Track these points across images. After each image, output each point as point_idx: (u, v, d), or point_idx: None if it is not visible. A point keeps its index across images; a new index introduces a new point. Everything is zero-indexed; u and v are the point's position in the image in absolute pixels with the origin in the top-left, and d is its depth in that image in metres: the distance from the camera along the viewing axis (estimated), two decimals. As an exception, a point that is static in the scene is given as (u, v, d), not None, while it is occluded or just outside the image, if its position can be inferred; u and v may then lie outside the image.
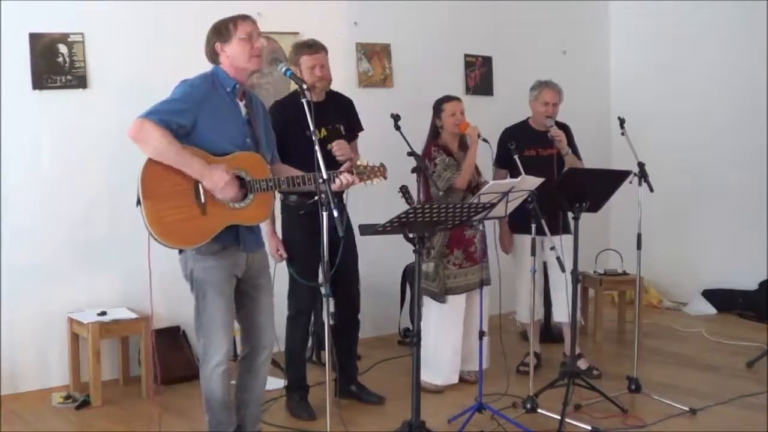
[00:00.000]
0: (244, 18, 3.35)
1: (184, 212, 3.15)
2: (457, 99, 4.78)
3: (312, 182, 3.25)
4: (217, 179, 3.11)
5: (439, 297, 4.63)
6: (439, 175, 4.56)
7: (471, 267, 4.71)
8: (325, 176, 3.08)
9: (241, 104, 3.37)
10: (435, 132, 4.78)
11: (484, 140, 4.60)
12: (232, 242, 3.28)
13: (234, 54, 3.29)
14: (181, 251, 3.31)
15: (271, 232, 4.20)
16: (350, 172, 3.39)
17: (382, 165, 3.49)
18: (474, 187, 4.74)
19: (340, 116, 4.36)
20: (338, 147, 4.06)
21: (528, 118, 5.17)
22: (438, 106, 4.77)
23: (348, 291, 4.43)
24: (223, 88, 3.31)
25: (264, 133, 3.45)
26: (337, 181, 3.35)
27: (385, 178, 3.49)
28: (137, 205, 3.15)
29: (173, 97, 3.22)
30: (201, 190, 3.18)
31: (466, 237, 4.70)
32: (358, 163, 3.44)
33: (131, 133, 3.10)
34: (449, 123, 4.69)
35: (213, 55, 3.35)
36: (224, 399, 3.35)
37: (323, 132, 4.20)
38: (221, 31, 3.32)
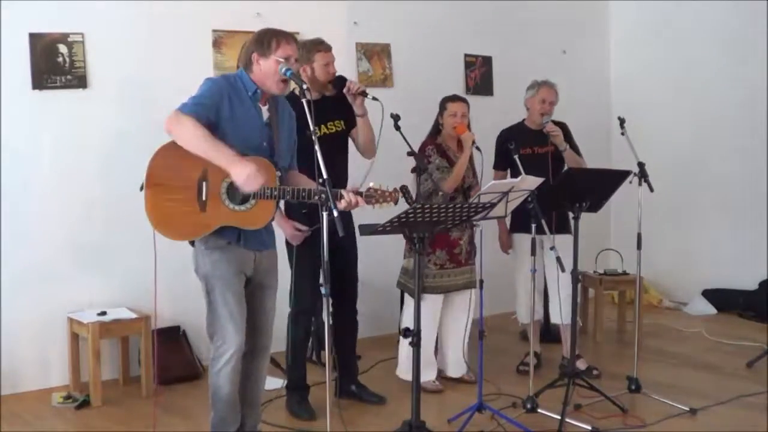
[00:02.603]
0: (289, 40, 3.36)
1: (183, 206, 3.19)
2: (462, 100, 4.78)
3: (317, 197, 3.20)
4: (248, 169, 3.09)
5: (419, 296, 4.61)
6: (430, 174, 4.56)
7: (454, 269, 4.72)
8: (325, 176, 3.08)
9: (264, 108, 3.40)
10: (436, 129, 4.79)
11: (477, 148, 4.59)
12: (235, 240, 3.31)
13: (266, 71, 3.32)
14: (192, 243, 3.34)
15: (281, 216, 4.17)
16: (359, 193, 3.34)
17: (395, 190, 3.43)
18: (466, 188, 4.74)
19: (338, 112, 4.36)
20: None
21: (524, 119, 5.18)
22: (443, 104, 4.78)
23: (347, 291, 4.44)
24: (245, 92, 3.34)
25: (285, 139, 3.47)
26: (343, 201, 3.30)
27: (395, 203, 3.42)
28: (140, 190, 3.18)
29: (201, 92, 3.26)
30: (204, 188, 3.20)
31: (452, 238, 4.70)
32: (371, 185, 3.39)
33: (167, 125, 3.14)
34: (447, 123, 4.72)
35: (247, 62, 3.37)
36: (231, 396, 3.36)
37: (324, 129, 4.23)
38: (263, 43, 3.33)
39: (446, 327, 4.86)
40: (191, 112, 3.14)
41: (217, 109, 3.24)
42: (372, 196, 3.34)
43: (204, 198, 3.21)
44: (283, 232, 4.20)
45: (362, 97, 4.17)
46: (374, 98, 4.11)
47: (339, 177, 4.16)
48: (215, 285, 3.30)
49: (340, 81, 4.22)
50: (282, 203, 4.16)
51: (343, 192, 3.31)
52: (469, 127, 4.72)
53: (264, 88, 3.36)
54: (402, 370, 4.74)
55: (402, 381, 4.68)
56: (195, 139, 3.12)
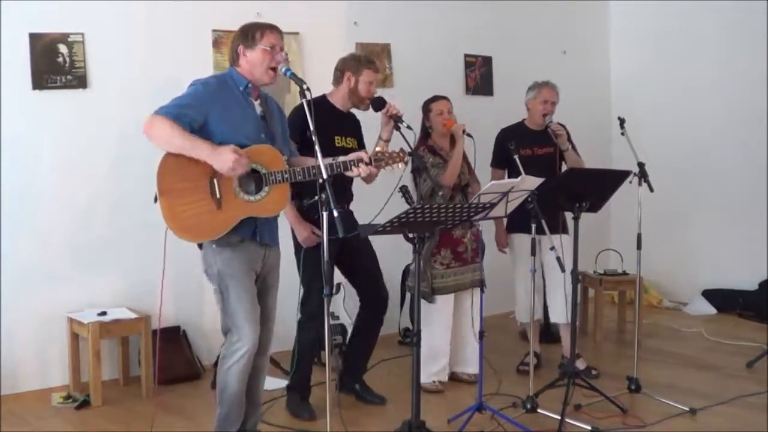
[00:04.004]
0: (272, 29, 3.42)
1: (200, 207, 3.20)
2: (444, 98, 4.79)
3: (329, 170, 3.22)
4: (226, 157, 3.14)
5: (428, 297, 4.63)
6: (428, 172, 4.56)
7: (459, 267, 4.72)
8: (325, 176, 3.09)
9: (256, 103, 3.44)
10: (425, 133, 4.79)
11: (468, 135, 4.58)
12: (250, 235, 3.33)
13: (253, 61, 3.37)
14: (200, 246, 3.35)
15: (297, 219, 4.19)
16: (368, 162, 3.36)
17: (402, 150, 3.49)
18: (464, 186, 4.74)
19: (355, 132, 4.47)
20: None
21: (524, 119, 5.18)
22: (426, 107, 4.79)
23: (377, 295, 4.47)
24: (237, 87, 3.38)
25: (279, 131, 3.51)
26: (354, 169, 3.35)
27: (406, 163, 3.48)
28: (155, 201, 3.18)
29: (184, 94, 3.30)
30: (216, 185, 3.22)
31: (454, 237, 4.70)
32: (377, 149, 3.44)
33: (144, 129, 3.17)
34: (436, 122, 4.72)
35: (234, 56, 3.42)
36: (238, 394, 3.37)
37: (342, 141, 4.31)
38: (247, 35, 3.39)
39: (458, 326, 4.83)
40: (166, 114, 3.16)
41: (206, 109, 3.25)
42: (381, 159, 3.39)
43: (218, 195, 3.22)
44: (297, 235, 4.20)
45: (395, 123, 4.20)
46: (408, 126, 4.19)
47: (345, 189, 4.25)
48: (229, 284, 3.31)
49: (378, 102, 4.26)
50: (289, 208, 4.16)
51: (353, 158, 3.35)
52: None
53: (253, 80, 3.40)
54: (425, 374, 4.63)
55: (404, 381, 4.68)
56: (170, 138, 3.15)
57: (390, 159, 3.40)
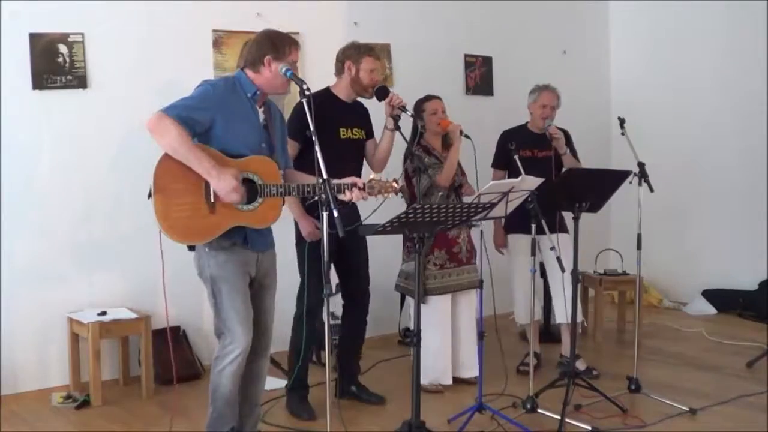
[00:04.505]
0: (297, 45, 3.44)
1: (193, 210, 3.19)
2: (437, 98, 4.79)
3: (320, 190, 3.22)
4: (224, 183, 3.14)
5: (420, 297, 4.60)
6: (426, 172, 4.55)
7: (455, 268, 4.72)
8: (325, 176, 3.09)
9: (260, 110, 3.43)
10: (419, 135, 4.78)
11: (466, 136, 4.58)
12: (242, 241, 3.32)
13: (277, 73, 3.36)
14: (191, 248, 3.35)
15: (301, 213, 4.20)
16: (361, 187, 3.38)
17: (395, 180, 3.50)
18: (457, 186, 4.74)
19: (362, 121, 4.45)
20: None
21: (527, 122, 5.19)
22: (419, 106, 4.78)
23: (359, 292, 4.47)
24: (244, 93, 3.37)
25: (279, 140, 3.51)
26: (348, 193, 3.36)
27: (396, 193, 3.50)
28: (149, 197, 3.17)
29: (193, 95, 3.28)
30: (211, 189, 3.21)
31: (449, 237, 4.70)
32: (371, 177, 3.45)
33: (149, 125, 3.14)
34: (431, 122, 4.71)
35: (256, 63, 3.38)
36: (231, 395, 3.37)
37: (349, 133, 4.31)
38: (278, 47, 3.37)
39: (455, 328, 4.82)
40: (174, 115, 3.13)
41: (214, 113, 3.24)
42: (373, 187, 3.40)
43: (212, 200, 3.21)
44: (300, 229, 4.21)
45: (400, 112, 4.20)
46: (412, 115, 4.22)
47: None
48: (222, 287, 3.31)
49: (382, 91, 4.26)
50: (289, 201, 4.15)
51: (347, 182, 3.36)
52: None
53: (269, 89, 3.41)
54: (425, 376, 4.62)
55: (404, 381, 4.68)
56: (177, 147, 3.12)
57: (383, 188, 3.43)
